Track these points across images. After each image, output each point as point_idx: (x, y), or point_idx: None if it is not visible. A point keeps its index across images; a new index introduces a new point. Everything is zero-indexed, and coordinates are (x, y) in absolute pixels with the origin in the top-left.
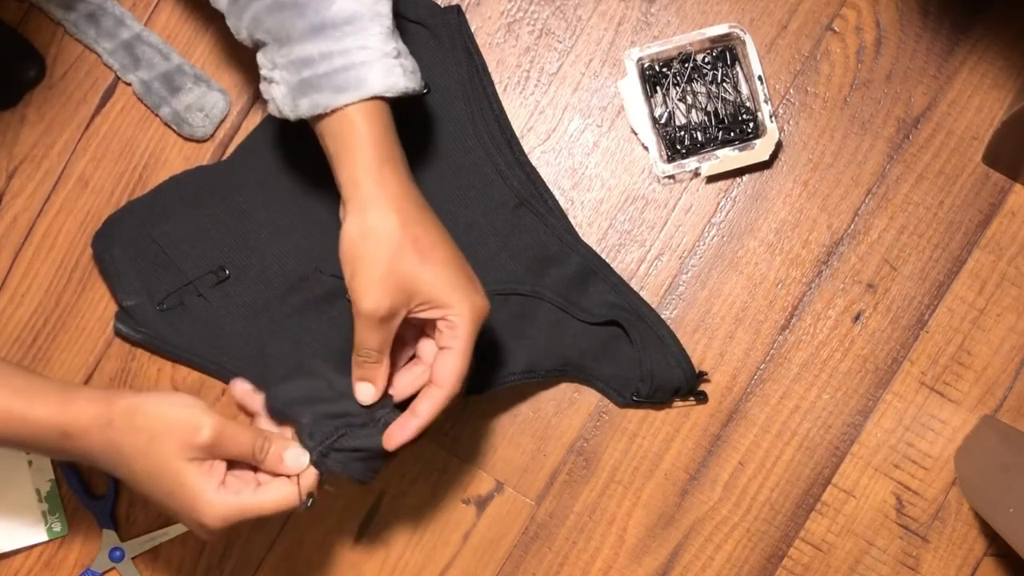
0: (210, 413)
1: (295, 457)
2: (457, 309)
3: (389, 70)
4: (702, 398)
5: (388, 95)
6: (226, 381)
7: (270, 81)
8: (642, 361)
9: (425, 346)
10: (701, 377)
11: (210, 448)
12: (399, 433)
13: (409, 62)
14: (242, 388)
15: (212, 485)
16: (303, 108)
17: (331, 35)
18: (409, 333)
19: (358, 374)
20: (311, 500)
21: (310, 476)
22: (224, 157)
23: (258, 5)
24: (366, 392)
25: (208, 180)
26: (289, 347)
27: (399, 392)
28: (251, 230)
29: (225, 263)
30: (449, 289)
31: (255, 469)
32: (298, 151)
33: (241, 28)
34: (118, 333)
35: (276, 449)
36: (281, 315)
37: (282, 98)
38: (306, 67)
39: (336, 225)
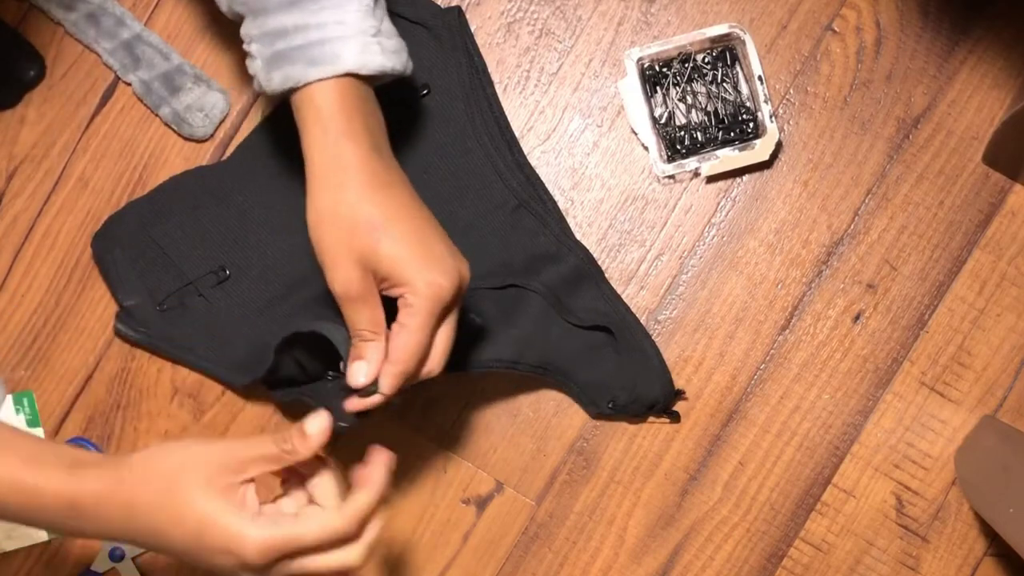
0: (220, 439)
1: (315, 420)
2: (411, 287)
3: (365, 47)
4: (675, 418)
5: (362, 72)
6: (226, 381)
7: (248, 55)
8: (624, 369)
9: None
10: (679, 395)
11: (236, 467)
12: (359, 403)
13: (391, 42)
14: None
15: (246, 518)
16: (276, 81)
17: (307, 7)
18: None
19: (354, 354)
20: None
21: (358, 499)
22: (224, 157)
23: None
24: (359, 371)
25: (208, 180)
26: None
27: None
28: (251, 230)
29: (225, 263)
30: (404, 266)
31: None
32: (298, 150)
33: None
34: (118, 333)
35: (296, 429)
36: (281, 315)
37: (258, 71)
38: (280, 39)
39: None
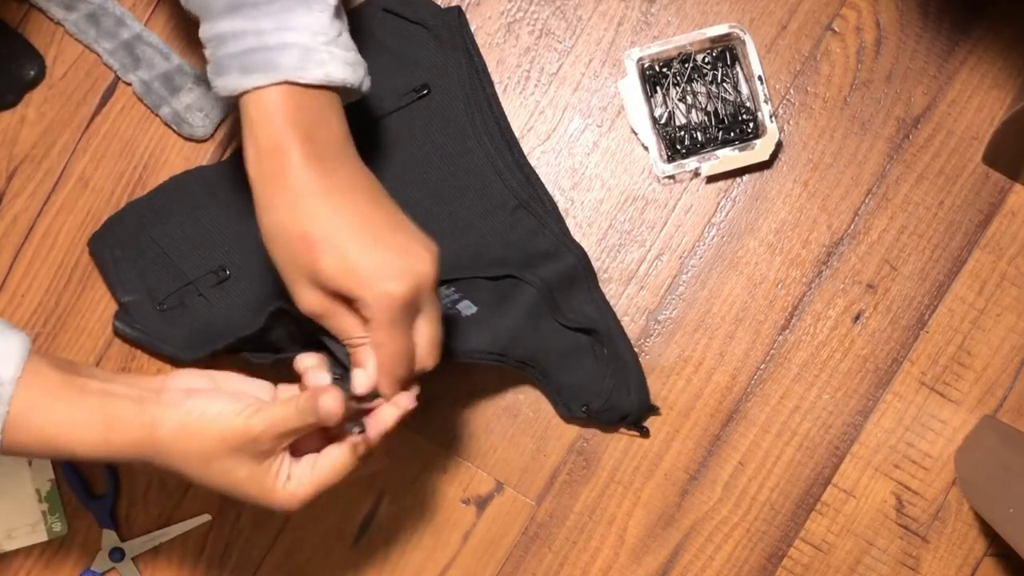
0: (253, 411)
1: (327, 400)
2: (362, 301)
3: (307, 54)
4: (644, 432)
5: (301, 81)
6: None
7: (206, 59)
8: (604, 376)
9: None
10: (652, 410)
11: (269, 447)
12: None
13: (347, 54)
14: (305, 364)
15: (279, 485)
16: (219, 88)
17: (248, 13)
18: None
19: (352, 361)
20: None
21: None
22: (224, 157)
23: None
24: (358, 378)
25: (208, 180)
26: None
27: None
28: (251, 230)
29: (225, 263)
30: (348, 281)
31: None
32: None
33: (182, 1)
34: (116, 331)
35: (310, 404)
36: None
37: (209, 77)
38: (221, 45)
39: None
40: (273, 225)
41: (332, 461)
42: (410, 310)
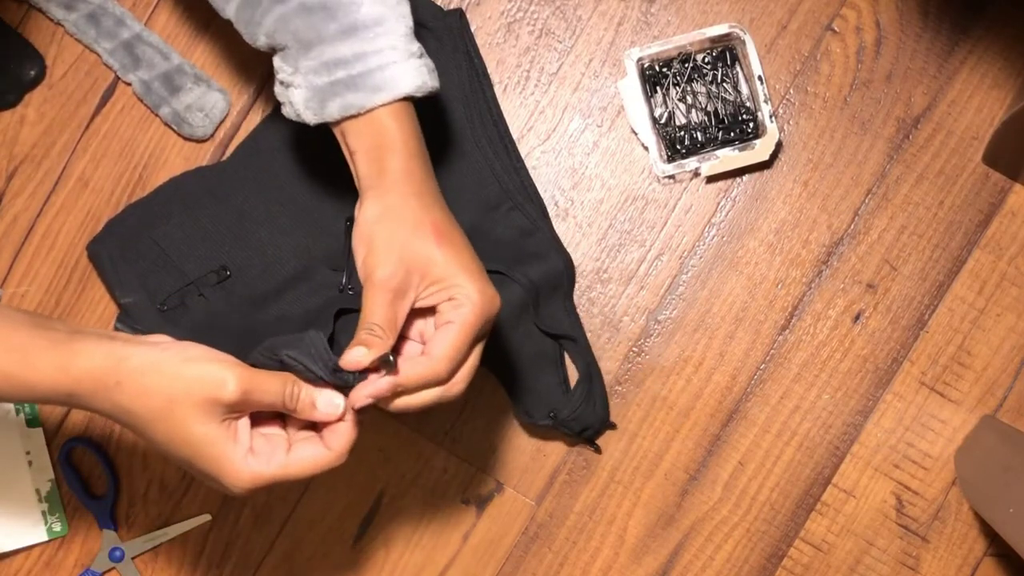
0: (233, 364)
1: (328, 401)
2: (466, 291)
3: (417, 70)
4: (597, 449)
5: (417, 94)
6: None
7: (288, 85)
8: (568, 387)
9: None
10: (610, 426)
11: (237, 404)
12: (369, 386)
13: (431, 62)
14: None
15: (240, 453)
16: (332, 110)
17: (364, 36)
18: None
19: (357, 340)
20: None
21: (345, 429)
22: (224, 157)
23: (282, 9)
24: (357, 353)
25: (208, 180)
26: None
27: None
28: (251, 230)
29: (226, 263)
30: (462, 272)
31: (283, 420)
32: (298, 151)
33: (259, 34)
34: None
35: (307, 394)
36: (276, 311)
37: (304, 102)
38: (340, 68)
39: (335, 224)
40: (402, 206)
41: (314, 456)
42: (488, 326)
